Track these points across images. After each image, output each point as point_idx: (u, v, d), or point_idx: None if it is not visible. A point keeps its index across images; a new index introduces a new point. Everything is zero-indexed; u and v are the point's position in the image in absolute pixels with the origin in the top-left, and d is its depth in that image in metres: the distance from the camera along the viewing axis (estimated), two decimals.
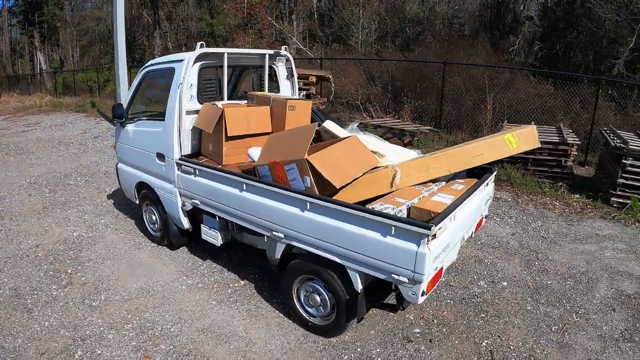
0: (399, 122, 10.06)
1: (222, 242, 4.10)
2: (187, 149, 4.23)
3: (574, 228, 5.60)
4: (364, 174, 3.20)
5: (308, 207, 2.96)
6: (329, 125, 3.71)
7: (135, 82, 4.79)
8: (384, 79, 12.76)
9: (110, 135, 11.00)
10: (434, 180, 3.48)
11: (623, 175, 5.90)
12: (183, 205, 4.27)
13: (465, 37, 16.94)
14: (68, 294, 4.00)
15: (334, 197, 3.05)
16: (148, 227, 5.05)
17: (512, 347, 3.36)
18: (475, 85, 10.28)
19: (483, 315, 3.77)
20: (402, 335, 3.45)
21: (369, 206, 2.91)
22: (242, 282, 4.19)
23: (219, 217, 3.92)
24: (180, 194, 4.23)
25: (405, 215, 2.91)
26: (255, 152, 3.67)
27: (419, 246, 2.54)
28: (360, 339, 3.38)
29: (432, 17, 19.31)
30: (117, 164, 5.34)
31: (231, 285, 4.14)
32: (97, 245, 4.94)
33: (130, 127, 4.81)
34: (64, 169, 8.02)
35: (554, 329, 3.59)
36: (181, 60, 4.08)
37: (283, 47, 4.88)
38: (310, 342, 3.33)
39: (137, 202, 5.08)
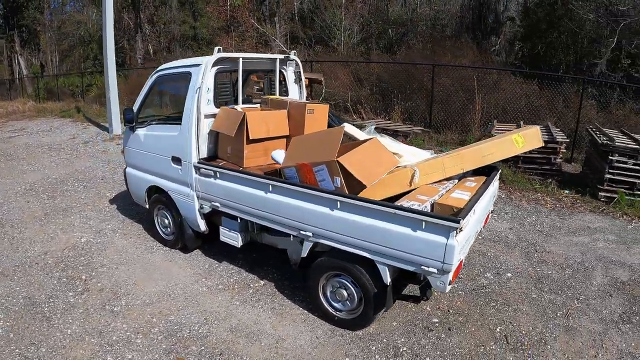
0: (390, 123, 10.33)
1: (242, 244, 4.21)
2: (204, 153, 4.33)
3: (567, 222, 5.93)
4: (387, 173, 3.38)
5: (339, 206, 3.12)
6: (348, 128, 3.88)
7: (145, 87, 4.85)
8: (371, 81, 13.04)
9: (101, 140, 10.89)
10: (447, 179, 3.70)
11: (610, 171, 6.28)
12: (201, 208, 4.36)
13: (448, 38, 17.42)
14: (86, 300, 4.03)
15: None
16: (160, 230, 5.10)
17: (523, 332, 3.61)
18: (463, 86, 10.64)
19: (493, 304, 4.01)
20: (422, 325, 3.65)
21: (396, 203, 3.09)
22: (262, 282, 4.31)
23: (241, 218, 4.04)
24: (198, 197, 4.32)
25: (429, 211, 3.10)
26: (279, 155, 3.81)
27: (448, 239, 2.74)
28: (384, 330, 3.56)
29: (415, 18, 19.76)
30: (125, 168, 5.36)
31: (252, 285, 4.25)
32: (108, 251, 4.96)
33: (141, 132, 4.86)
34: (59, 175, 7.93)
35: (559, 314, 3.86)
36: (198, 65, 4.18)
37: (292, 52, 5.03)
38: (337, 336, 3.49)
39: (147, 206, 5.13)
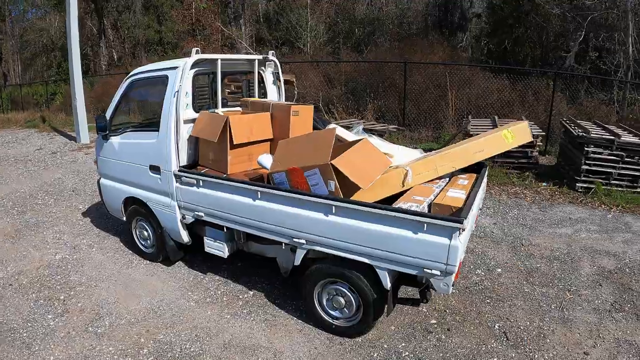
0: (364, 122, 10.28)
1: (228, 254, 4.04)
2: (184, 160, 4.12)
3: (548, 214, 6.03)
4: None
5: (334, 211, 3.00)
6: (336, 129, 3.76)
7: (118, 93, 4.59)
8: (342, 80, 13.00)
9: (69, 150, 10.39)
10: (439, 177, 3.65)
11: (586, 162, 6.43)
12: (183, 218, 4.15)
13: (415, 36, 17.61)
14: (67, 322, 3.75)
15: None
16: (139, 243, 4.85)
17: (521, 327, 3.59)
18: (435, 83, 10.72)
19: (488, 300, 3.99)
20: (421, 328, 3.58)
21: (394, 205, 3.00)
22: (251, 293, 4.14)
23: (227, 228, 3.86)
24: (179, 207, 4.11)
25: (427, 212, 3.03)
26: (266, 160, 3.65)
27: (451, 239, 2.67)
28: (383, 335, 3.46)
29: (382, 17, 19.90)
30: (99, 179, 5.07)
31: (241, 297, 4.08)
32: (86, 267, 4.67)
33: (115, 140, 4.60)
34: (28, 188, 7.47)
35: (553, 307, 3.87)
36: (175, 67, 3.98)
37: (270, 53, 4.88)
38: (337, 345, 3.37)
39: (125, 218, 4.86)
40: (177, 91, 3.90)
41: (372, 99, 11.69)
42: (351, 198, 3.18)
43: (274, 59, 4.85)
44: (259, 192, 3.38)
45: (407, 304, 3.80)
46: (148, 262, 4.74)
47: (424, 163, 3.50)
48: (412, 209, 2.91)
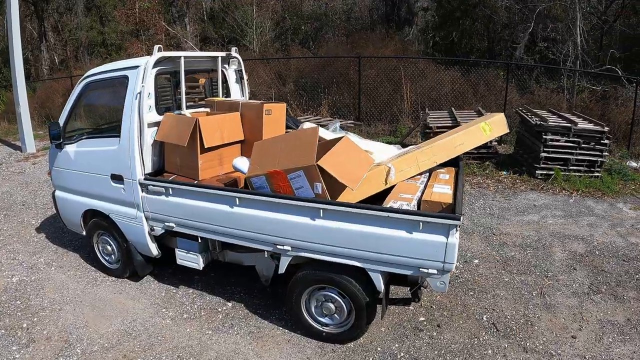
0: (320, 118, 10.19)
1: (203, 265, 3.78)
2: (149, 167, 3.81)
3: (513, 202, 6.20)
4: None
5: (322, 215, 2.85)
6: (309, 127, 3.61)
7: (72, 97, 4.17)
8: (293, 77, 12.82)
9: (14, 160, 9.52)
10: (420, 173, 3.59)
11: (545, 149, 6.68)
12: (151, 230, 3.84)
13: (363, 30, 17.73)
14: (34, 354, 3.34)
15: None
16: (102, 259, 4.46)
17: (508, 317, 3.63)
18: (388, 77, 10.79)
19: (472, 293, 4.00)
20: (411, 327, 3.52)
21: (384, 205, 2.90)
22: (230, 304, 3.91)
23: (201, 238, 3.61)
24: (147, 218, 3.80)
25: (419, 210, 2.95)
26: (242, 163, 3.43)
27: (447, 237, 2.60)
28: (375, 338, 3.37)
29: (329, 12, 19.92)
30: (54, 192, 4.61)
31: (219, 310, 3.83)
32: (47, 289, 4.22)
33: (71, 148, 4.19)
34: None
35: (534, 294, 3.95)
36: (136, 67, 3.65)
37: (233, 49, 4.63)
38: (329, 352, 3.23)
39: (85, 233, 4.46)
40: (139, 92, 3.59)
41: (327, 95, 11.62)
42: (337, 199, 3.05)
43: (237, 56, 4.61)
44: (237, 199, 3.17)
45: (398, 304, 3.73)
46: (114, 278, 4.36)
47: (405, 159, 3.42)
48: (404, 207, 2.82)
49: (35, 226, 5.77)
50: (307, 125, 3.52)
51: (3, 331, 3.61)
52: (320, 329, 3.29)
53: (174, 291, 4.15)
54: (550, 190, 6.51)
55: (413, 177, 3.51)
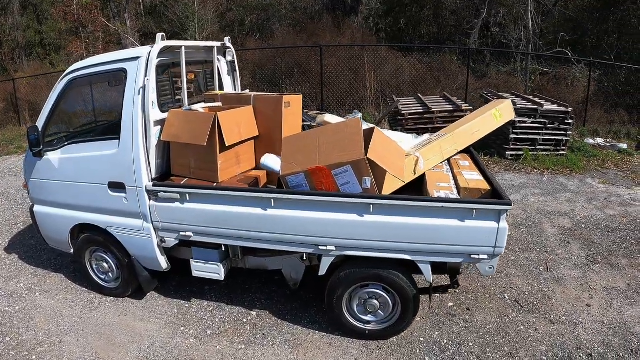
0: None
1: (225, 275, 3.56)
2: (153, 172, 3.48)
3: None
4: None
5: (372, 210, 2.79)
6: (329, 117, 3.50)
7: (52, 96, 3.67)
8: (249, 69, 12.51)
9: None
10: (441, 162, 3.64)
11: (514, 131, 7.09)
12: (162, 242, 3.54)
13: (310, 19, 17.67)
14: None
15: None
16: (96, 278, 4.03)
17: (526, 293, 3.82)
18: (349, 66, 10.86)
19: None
20: (444, 313, 3.58)
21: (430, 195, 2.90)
22: (254, 313, 3.71)
23: (224, 246, 3.40)
24: (157, 229, 3.49)
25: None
26: (272, 161, 3.23)
27: (499, 222, 2.66)
28: (414, 330, 3.38)
29: (275, 3, 19.64)
30: (32, 207, 4.08)
31: (245, 320, 3.63)
32: (37, 320, 3.72)
33: (54, 156, 3.70)
34: None
35: (541, 269, 4.19)
36: (136, 58, 3.29)
37: (227, 39, 4.37)
38: (375, 350, 3.18)
39: (73, 250, 4.01)
40: (143, 87, 3.24)
41: (287, 86, 11.46)
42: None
43: (230, 45, 4.37)
44: (272, 200, 3.00)
45: (438, 292, 3.74)
46: (113, 299, 3.97)
47: (431, 148, 3.45)
48: (450, 197, 2.84)
49: (3, 246, 5.08)
50: (328, 117, 3.40)
51: None
52: (363, 327, 3.24)
53: (187, 306, 3.86)
54: (523, 170, 6.93)
55: (436, 166, 3.55)
